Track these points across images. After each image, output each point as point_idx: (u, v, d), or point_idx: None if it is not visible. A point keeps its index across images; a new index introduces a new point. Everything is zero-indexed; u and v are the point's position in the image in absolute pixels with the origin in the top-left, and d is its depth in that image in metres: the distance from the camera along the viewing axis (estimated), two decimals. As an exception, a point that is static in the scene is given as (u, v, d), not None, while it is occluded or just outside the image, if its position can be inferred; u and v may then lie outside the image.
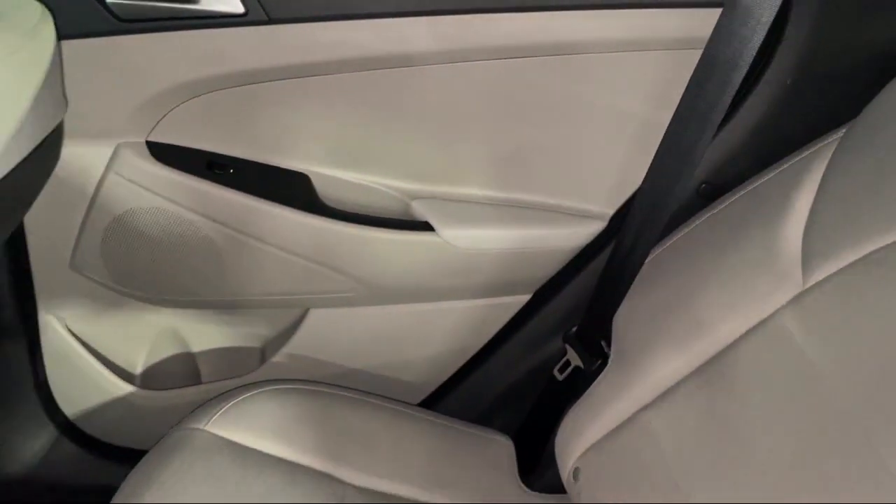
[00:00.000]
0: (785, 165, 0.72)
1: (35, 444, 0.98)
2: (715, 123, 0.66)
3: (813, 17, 0.75)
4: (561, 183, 0.88)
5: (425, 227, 0.86)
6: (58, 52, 0.65)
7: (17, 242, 0.84)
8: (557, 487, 0.81)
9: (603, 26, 0.76)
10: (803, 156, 0.70)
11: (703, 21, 0.66)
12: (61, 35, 0.67)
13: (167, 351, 1.00)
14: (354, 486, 0.77)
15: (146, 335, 0.99)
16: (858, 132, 0.67)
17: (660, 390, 0.69)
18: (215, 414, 0.77)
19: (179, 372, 1.01)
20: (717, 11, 0.63)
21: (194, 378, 1.01)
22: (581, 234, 0.88)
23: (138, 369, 1.00)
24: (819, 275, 0.60)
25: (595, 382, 0.78)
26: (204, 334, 1.00)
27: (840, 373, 0.55)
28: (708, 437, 0.63)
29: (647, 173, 0.73)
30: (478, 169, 0.87)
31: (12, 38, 0.55)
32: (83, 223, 0.82)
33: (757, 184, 0.74)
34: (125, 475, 0.74)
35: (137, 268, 0.86)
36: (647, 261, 0.78)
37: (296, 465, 0.76)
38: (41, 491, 1.00)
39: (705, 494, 0.60)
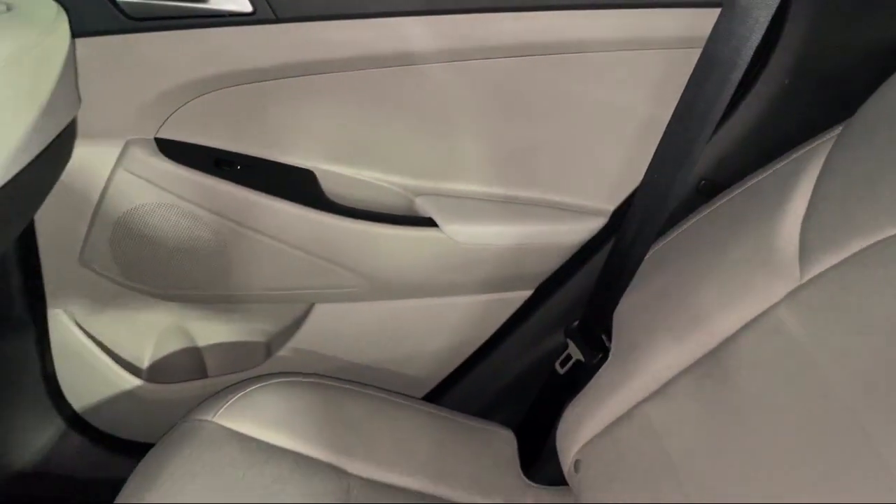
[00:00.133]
0: (782, 163, 0.72)
1: (43, 437, 0.98)
2: (714, 121, 0.67)
3: (810, 17, 0.76)
4: (563, 180, 0.88)
5: (429, 223, 0.86)
6: (72, 50, 0.65)
7: (27, 237, 0.85)
8: (559, 480, 0.82)
9: (604, 25, 0.77)
10: (800, 153, 0.71)
11: (703, 20, 0.66)
12: (73, 33, 0.67)
13: (174, 345, 1.01)
14: (359, 477, 0.77)
15: (153, 330, 0.99)
16: (854, 130, 0.68)
17: (659, 383, 0.70)
18: (223, 406, 0.77)
19: (186, 366, 1.01)
20: (717, 11, 0.64)
21: (200, 372, 1.02)
22: (582, 230, 0.89)
23: (145, 363, 1.01)
24: (816, 269, 0.61)
25: (596, 376, 0.79)
26: (210, 329, 1.01)
27: (836, 365, 0.56)
28: (707, 429, 0.64)
29: (648, 170, 0.73)
30: (480, 166, 0.87)
31: (30, 34, 0.55)
32: (92, 218, 0.83)
33: (755, 181, 0.75)
34: (132, 468, 0.75)
35: (145, 262, 0.87)
36: (647, 256, 0.78)
37: (302, 456, 0.76)
38: (49, 483, 1.01)
39: (704, 484, 0.61)
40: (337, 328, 0.96)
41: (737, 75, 0.64)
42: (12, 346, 0.93)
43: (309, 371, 0.93)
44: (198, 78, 0.76)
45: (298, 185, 0.85)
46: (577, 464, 0.77)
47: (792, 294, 0.62)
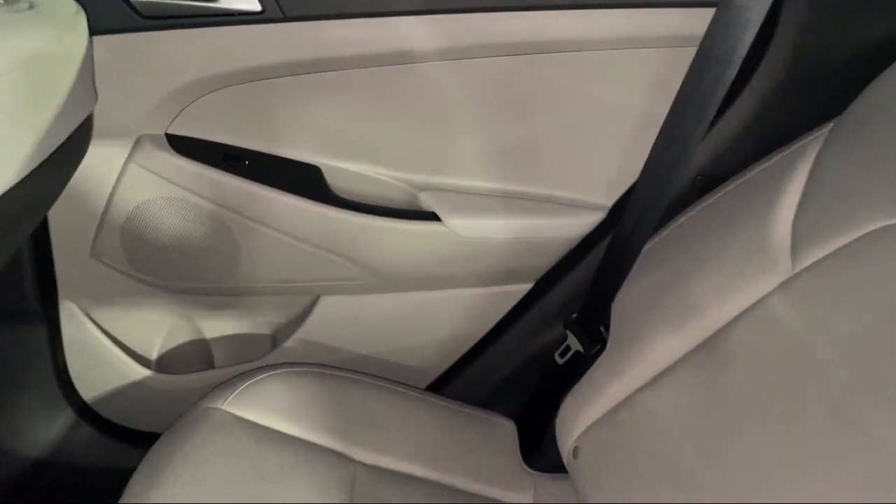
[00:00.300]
0: (776, 158, 0.74)
1: (54, 428, 1.00)
2: (709, 118, 0.68)
3: (802, 16, 0.77)
4: (562, 175, 0.89)
5: (432, 217, 0.88)
6: (91, 48, 0.67)
7: (40, 231, 0.86)
8: (558, 467, 0.83)
9: (602, 24, 0.78)
10: (793, 149, 0.72)
11: (700, 20, 0.67)
12: (90, 31, 0.68)
13: (182, 337, 1.02)
14: (364, 464, 0.79)
15: (162, 321, 1.00)
16: (845, 126, 0.69)
17: (656, 371, 0.72)
18: (232, 394, 0.79)
19: (194, 357, 1.02)
20: (712, 11, 0.65)
21: (208, 363, 1.03)
22: (582, 224, 0.90)
23: (154, 354, 1.02)
24: (807, 260, 0.63)
25: (594, 365, 0.80)
26: (217, 321, 1.02)
27: (826, 351, 0.57)
28: (702, 414, 0.65)
29: (645, 166, 0.74)
30: (482, 162, 0.89)
31: (52, 31, 0.57)
32: (104, 213, 0.84)
33: (749, 175, 0.76)
34: (140, 457, 0.75)
35: (155, 256, 0.88)
36: (644, 249, 0.80)
37: (308, 443, 0.78)
38: (59, 472, 1.02)
39: (699, 468, 0.62)
40: (342, 320, 0.97)
41: (731, 73, 0.65)
42: (25, 338, 0.94)
43: (314, 362, 0.94)
44: (208, 75, 0.78)
45: (304, 181, 0.86)
46: (575, 450, 0.78)
47: (784, 284, 0.64)
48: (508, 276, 0.95)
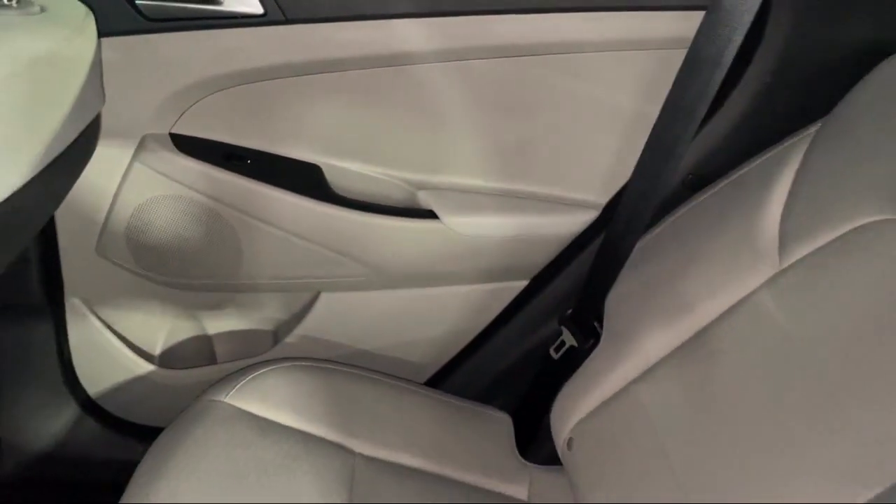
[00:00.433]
0: (764, 157, 0.75)
1: (59, 422, 1.01)
2: (699, 118, 0.69)
3: (790, 19, 0.78)
4: (557, 174, 0.91)
5: (430, 215, 0.89)
6: (99, 49, 0.68)
7: (47, 228, 0.87)
8: (554, 460, 0.84)
9: (596, 27, 0.79)
10: (781, 148, 0.74)
11: (691, 23, 0.68)
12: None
13: (185, 333, 1.03)
14: (363, 455, 0.80)
15: (166, 318, 1.01)
16: (831, 127, 0.71)
17: (648, 364, 0.73)
18: (235, 387, 0.80)
19: (196, 352, 1.04)
20: (702, 14, 0.66)
21: (210, 359, 1.04)
22: (576, 222, 0.92)
23: (157, 350, 1.03)
24: (793, 257, 0.64)
25: (588, 359, 0.82)
26: (220, 317, 1.03)
27: (811, 343, 0.59)
28: (692, 406, 0.66)
29: (637, 165, 0.75)
30: (479, 161, 0.90)
31: (63, 32, 0.58)
32: (109, 210, 0.86)
33: (738, 174, 0.77)
34: (142, 451, 0.76)
35: (159, 252, 0.89)
36: (636, 246, 0.81)
37: (309, 435, 0.79)
38: (63, 466, 1.03)
39: (689, 456, 0.64)
40: (342, 316, 0.98)
41: (720, 74, 0.66)
42: (31, 333, 0.95)
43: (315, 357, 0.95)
44: (211, 76, 0.79)
45: (305, 179, 0.87)
46: (569, 442, 0.80)
47: (771, 280, 0.65)
48: (505, 273, 0.96)
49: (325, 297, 0.97)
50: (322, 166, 0.89)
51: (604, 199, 0.92)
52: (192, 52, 0.77)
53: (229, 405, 0.79)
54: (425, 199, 0.90)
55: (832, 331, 0.58)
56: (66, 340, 0.97)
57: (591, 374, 0.80)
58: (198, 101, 0.82)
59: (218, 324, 1.04)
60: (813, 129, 0.73)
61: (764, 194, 0.71)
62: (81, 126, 0.62)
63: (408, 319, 1.00)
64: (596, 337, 0.84)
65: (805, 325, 0.60)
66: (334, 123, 0.86)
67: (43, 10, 0.59)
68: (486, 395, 1.02)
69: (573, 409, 0.80)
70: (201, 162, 0.84)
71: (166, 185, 0.84)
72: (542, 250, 0.95)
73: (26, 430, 1.00)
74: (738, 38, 0.64)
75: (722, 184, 0.79)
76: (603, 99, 0.85)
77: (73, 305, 0.95)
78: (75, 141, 0.61)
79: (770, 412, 0.59)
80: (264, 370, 0.84)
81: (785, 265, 0.65)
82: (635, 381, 0.74)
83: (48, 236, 0.88)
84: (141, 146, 0.83)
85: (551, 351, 0.90)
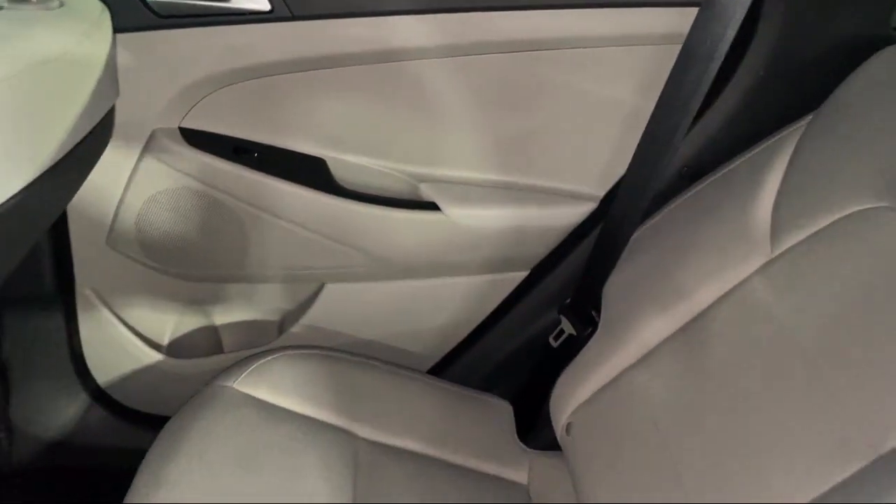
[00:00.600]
0: (757, 149, 0.77)
1: (69, 411, 1.02)
2: (693, 112, 0.70)
3: (782, 15, 0.80)
4: (556, 167, 0.92)
5: (432, 206, 0.90)
6: (114, 44, 0.70)
7: (59, 221, 0.89)
8: (553, 446, 0.86)
9: (593, 23, 0.81)
10: (773, 140, 0.76)
11: (686, 18, 0.69)
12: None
13: (193, 323, 1.05)
14: (366, 440, 0.82)
15: (174, 308, 1.03)
16: (822, 119, 0.72)
17: (644, 350, 0.75)
18: (242, 373, 0.82)
19: (204, 342, 1.05)
20: (696, 10, 0.67)
21: (217, 348, 1.06)
22: (574, 213, 0.93)
23: (166, 340, 1.04)
24: (785, 244, 0.66)
25: (586, 347, 0.83)
26: (227, 308, 1.05)
27: (801, 327, 0.60)
28: (687, 390, 0.68)
29: (633, 158, 0.77)
30: (480, 154, 0.92)
31: (81, 27, 0.60)
32: (119, 202, 0.87)
33: (732, 166, 0.79)
34: (152, 439, 0.78)
35: (168, 244, 0.91)
36: (633, 237, 0.83)
37: (313, 420, 0.81)
38: (73, 454, 1.04)
39: (684, 439, 0.65)
40: (346, 306, 1.00)
41: (714, 69, 0.68)
42: (42, 324, 0.97)
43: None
44: (220, 71, 0.81)
45: (311, 172, 0.89)
46: (568, 426, 0.81)
47: (764, 267, 0.67)
48: (505, 264, 0.98)
49: (329, 288, 0.99)
50: (327, 160, 0.90)
51: (601, 192, 0.94)
52: (202, 47, 0.79)
53: (237, 391, 0.81)
54: (427, 191, 0.91)
55: (821, 316, 0.59)
56: (77, 331, 0.98)
57: (589, 361, 0.82)
58: (207, 96, 0.83)
59: (225, 314, 1.05)
60: (804, 122, 0.74)
61: (757, 185, 0.73)
62: (96, 119, 0.64)
63: (410, 309, 1.01)
64: (594, 325, 0.85)
65: (795, 310, 0.62)
66: (339, 118, 0.88)
67: (62, 4, 0.61)
68: (487, 383, 1.04)
69: (572, 396, 0.81)
70: (210, 155, 0.85)
71: (175, 178, 0.86)
72: (542, 241, 0.96)
73: (38, 418, 1.01)
74: (731, 34, 0.66)
75: (716, 175, 0.80)
76: (600, 94, 0.87)
77: (84, 297, 0.96)
78: (90, 134, 0.63)
79: (762, 394, 0.60)
80: (271, 357, 0.85)
81: (776, 253, 0.66)
82: (632, 367, 0.75)
83: (60, 228, 0.89)
84: (151, 140, 0.84)
85: (550, 339, 0.92)
